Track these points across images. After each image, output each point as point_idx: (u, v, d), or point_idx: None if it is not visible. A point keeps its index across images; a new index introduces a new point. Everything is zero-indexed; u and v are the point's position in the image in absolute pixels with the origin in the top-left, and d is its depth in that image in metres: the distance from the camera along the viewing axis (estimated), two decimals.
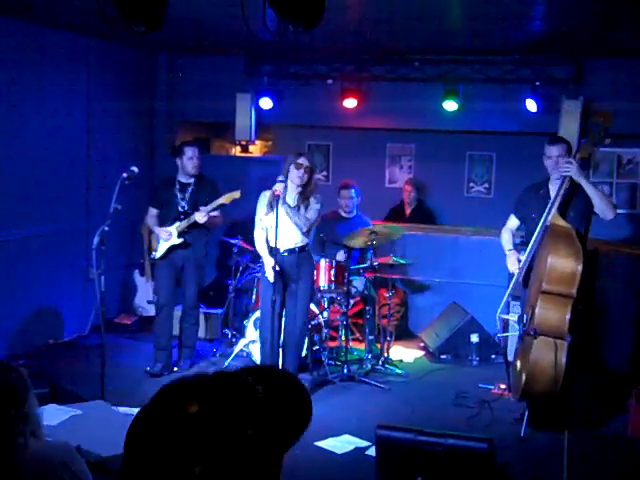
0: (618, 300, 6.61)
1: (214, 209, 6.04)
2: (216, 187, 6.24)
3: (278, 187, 5.35)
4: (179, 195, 6.17)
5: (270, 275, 5.52)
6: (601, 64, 7.27)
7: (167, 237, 6.13)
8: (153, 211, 6.31)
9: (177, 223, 6.12)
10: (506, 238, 5.45)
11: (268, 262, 5.57)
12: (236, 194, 5.95)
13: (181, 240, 6.12)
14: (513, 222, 5.48)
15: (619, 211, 7.92)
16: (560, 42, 6.71)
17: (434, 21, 6.04)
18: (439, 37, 6.82)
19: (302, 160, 5.53)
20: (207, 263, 6.79)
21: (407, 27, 6.31)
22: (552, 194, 5.12)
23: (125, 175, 5.42)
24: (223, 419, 1.06)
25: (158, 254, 6.23)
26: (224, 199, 5.98)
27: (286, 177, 5.50)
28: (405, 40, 7.04)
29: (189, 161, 6.15)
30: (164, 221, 6.21)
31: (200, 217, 5.99)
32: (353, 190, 7.09)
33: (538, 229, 5.00)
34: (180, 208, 6.16)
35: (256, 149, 10.06)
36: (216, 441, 1.05)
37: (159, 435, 1.07)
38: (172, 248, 6.16)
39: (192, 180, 6.22)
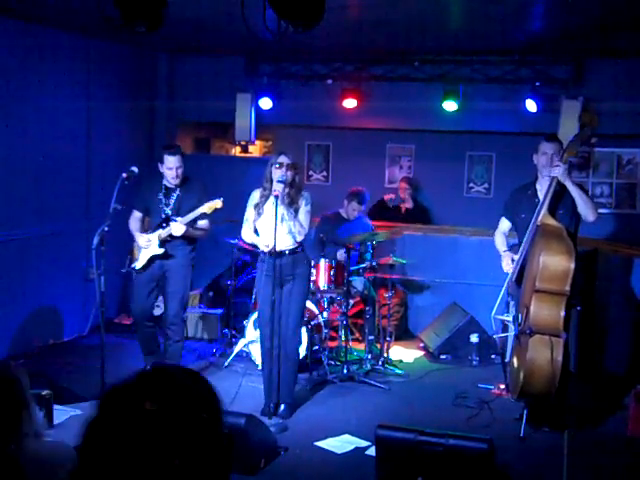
0: (617, 301, 6.60)
1: (194, 219, 5.67)
2: (204, 188, 5.84)
3: (278, 187, 5.11)
4: (163, 200, 5.75)
5: (266, 248, 5.23)
6: (601, 64, 7.27)
7: (146, 244, 5.75)
8: (137, 214, 5.88)
9: (159, 230, 5.73)
10: (500, 241, 5.47)
11: (260, 241, 5.31)
12: (217, 203, 5.58)
13: (162, 250, 5.74)
14: (505, 225, 5.49)
15: (619, 211, 7.99)
16: (560, 42, 6.71)
17: (434, 21, 6.04)
18: (439, 37, 6.82)
19: (282, 159, 5.18)
20: (194, 273, 6.13)
21: (407, 27, 6.31)
22: (540, 193, 5.14)
23: (125, 175, 5.41)
24: (180, 411, 1.10)
25: (139, 264, 5.85)
26: (205, 208, 5.59)
27: (270, 180, 5.22)
28: (405, 40, 7.04)
29: (168, 171, 5.67)
30: (149, 227, 5.89)
31: (177, 230, 5.59)
32: (364, 205, 7.09)
33: (529, 229, 5.01)
34: (163, 214, 5.75)
35: (256, 149, 10.07)
36: (184, 432, 1.08)
37: (125, 433, 1.08)
38: (152, 258, 5.82)
39: (177, 184, 5.80)
